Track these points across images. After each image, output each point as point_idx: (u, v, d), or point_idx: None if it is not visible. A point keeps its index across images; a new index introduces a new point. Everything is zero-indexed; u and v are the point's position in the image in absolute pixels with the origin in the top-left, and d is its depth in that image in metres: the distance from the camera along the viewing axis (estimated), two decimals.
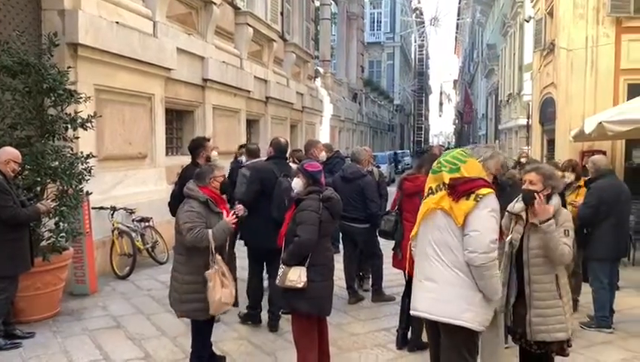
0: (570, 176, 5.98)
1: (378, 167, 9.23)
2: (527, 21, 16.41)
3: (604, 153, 11.11)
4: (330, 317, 4.36)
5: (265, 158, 5.70)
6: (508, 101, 24.15)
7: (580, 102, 11.91)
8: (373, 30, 46.13)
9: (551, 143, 14.39)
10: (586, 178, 5.92)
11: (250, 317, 5.45)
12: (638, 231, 5.15)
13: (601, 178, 5.49)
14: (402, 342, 4.85)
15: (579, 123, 9.88)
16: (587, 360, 4.64)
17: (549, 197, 3.43)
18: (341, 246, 6.95)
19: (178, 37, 9.64)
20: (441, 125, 70.56)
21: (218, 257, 4.10)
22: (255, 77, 13.25)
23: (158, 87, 8.98)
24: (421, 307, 3.07)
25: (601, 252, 5.37)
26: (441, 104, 65.13)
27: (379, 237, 5.79)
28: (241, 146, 8.68)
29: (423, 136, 62.86)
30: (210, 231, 4.01)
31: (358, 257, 6.50)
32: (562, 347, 3.43)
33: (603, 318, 5.34)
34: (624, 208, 5.50)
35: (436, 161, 3.13)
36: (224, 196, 4.56)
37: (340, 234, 6.83)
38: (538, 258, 3.38)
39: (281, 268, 3.91)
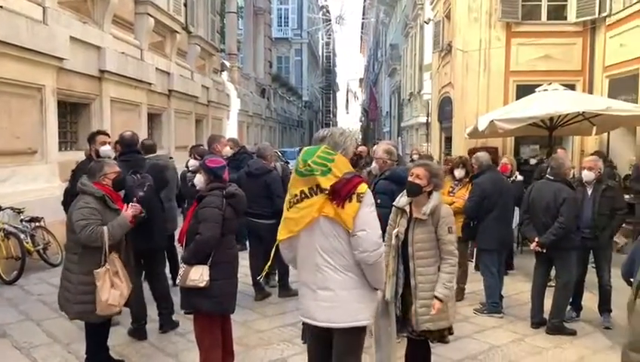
0: (460, 172, 6.34)
1: (287, 162, 9.23)
2: (427, 23, 17.15)
3: (495, 149, 11.94)
4: (235, 314, 4.30)
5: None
6: (409, 100, 25.12)
7: (474, 101, 12.66)
8: (281, 26, 46.11)
9: (449, 140, 15.18)
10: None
11: (135, 333, 4.95)
12: (522, 222, 5.51)
13: (483, 173, 5.86)
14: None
15: (473, 121, 10.48)
16: (479, 344, 4.94)
17: (430, 194, 3.60)
18: (248, 242, 6.89)
19: (72, 25, 9.03)
20: (348, 122, 72.10)
21: (114, 256, 3.91)
22: (157, 69, 12.74)
23: (49, 78, 8.36)
24: (320, 317, 2.96)
25: (488, 243, 5.77)
26: (347, 101, 66.55)
27: None
28: (192, 147, 8.19)
29: None
30: (105, 228, 3.81)
31: (264, 253, 6.45)
32: (443, 334, 3.64)
33: (494, 304, 5.71)
34: (506, 201, 5.90)
35: (301, 163, 2.95)
36: (122, 193, 4.35)
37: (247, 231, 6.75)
38: (422, 251, 3.54)
39: (182, 267, 3.80)
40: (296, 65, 47.28)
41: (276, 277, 6.52)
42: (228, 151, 7.42)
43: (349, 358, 3.01)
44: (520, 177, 7.87)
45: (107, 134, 5.80)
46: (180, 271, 3.80)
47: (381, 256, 2.93)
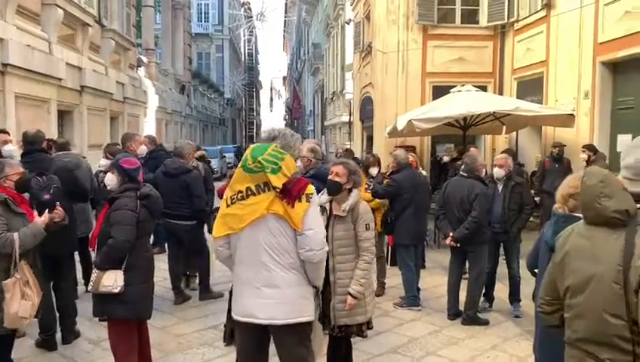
0: (374, 170, 6.51)
1: (209, 161, 9.02)
2: (348, 23, 17.41)
3: (414, 148, 12.33)
4: (153, 319, 4.15)
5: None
6: (332, 99, 25.41)
7: (393, 101, 13.00)
8: (201, 21, 45.11)
9: (370, 139, 15.50)
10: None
11: (44, 344, 4.64)
12: (438, 217, 5.72)
13: (401, 170, 6.04)
14: (230, 338, 4.79)
15: (393, 120, 10.75)
16: (399, 337, 5.07)
17: (350, 191, 3.65)
18: (167, 245, 6.66)
19: None
20: (272, 120, 71.79)
21: (23, 263, 3.63)
22: (67, 63, 12.02)
23: None
24: (263, 314, 2.91)
25: (405, 238, 5.94)
26: (271, 100, 66.23)
27: (206, 234, 5.67)
28: (107, 146, 7.63)
29: (254, 130, 63.28)
30: (16, 235, 3.53)
31: (184, 256, 6.28)
32: (361, 329, 3.70)
33: (412, 297, 5.89)
34: (422, 197, 6.12)
35: (250, 159, 2.91)
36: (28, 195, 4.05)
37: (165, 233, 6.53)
38: (342, 248, 3.59)
39: (95, 273, 3.60)
40: (217, 62, 46.45)
41: (197, 280, 6.36)
42: (143, 150, 7.13)
43: (301, 350, 3.03)
44: (424, 173, 8.14)
45: (7, 132, 5.40)
46: (93, 277, 3.59)
47: (324, 254, 2.99)
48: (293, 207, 2.86)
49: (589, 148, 8.40)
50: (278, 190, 2.85)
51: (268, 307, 2.90)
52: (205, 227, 6.25)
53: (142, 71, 20.29)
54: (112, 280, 3.51)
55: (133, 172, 3.75)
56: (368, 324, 3.76)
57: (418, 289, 6.04)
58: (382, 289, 6.32)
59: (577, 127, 9.64)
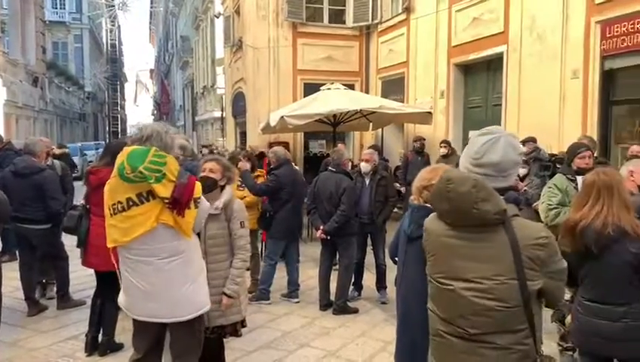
0: (246, 165, 6.49)
1: (72, 160, 8.37)
2: (217, 17, 17.07)
3: (287, 144, 12.47)
4: (2, 334, 3.74)
5: None
6: (203, 93, 24.86)
7: (266, 97, 13.02)
8: (57, 8, 41.52)
9: (244, 135, 15.40)
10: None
11: None
12: (310, 211, 5.85)
13: (280, 166, 6.09)
14: (92, 347, 4.50)
15: (266, 116, 10.77)
16: (273, 332, 5.10)
17: (223, 188, 3.60)
18: (18, 251, 6.05)
19: None
20: (138, 116, 68.23)
21: None
22: None
23: None
24: (162, 314, 2.98)
25: (280, 232, 5.99)
26: (136, 93, 62.89)
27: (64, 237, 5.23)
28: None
29: (119, 126, 59.76)
30: None
31: (38, 263, 5.73)
32: (236, 328, 3.67)
33: (264, 291, 5.94)
34: (300, 193, 6.23)
35: (128, 168, 2.73)
36: None
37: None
38: (215, 247, 3.51)
39: None
40: (76, 53, 43.10)
41: (54, 288, 5.85)
42: None
43: (193, 340, 3.16)
44: (296, 168, 8.28)
45: None
46: None
47: None
48: (183, 216, 2.81)
49: (447, 143, 9.21)
50: (166, 201, 2.76)
51: (166, 306, 2.95)
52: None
53: None
54: None
55: None
56: (242, 322, 3.73)
57: (298, 285, 6.15)
58: (255, 286, 6.31)
59: (435, 124, 10.40)
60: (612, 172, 2.97)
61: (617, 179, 2.87)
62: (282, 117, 9.19)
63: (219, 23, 17.95)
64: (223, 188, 3.59)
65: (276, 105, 12.14)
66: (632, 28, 6.58)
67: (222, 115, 19.49)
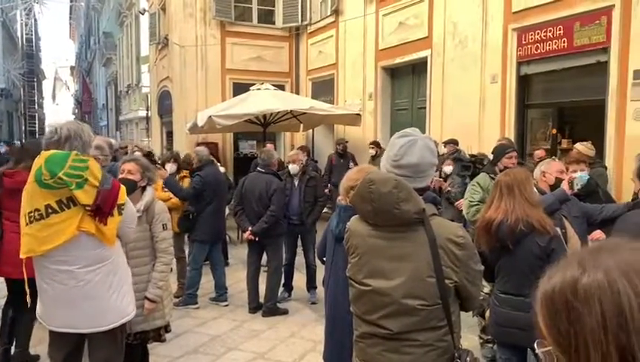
0: (172, 167, 6.33)
1: None
2: (142, 13, 16.52)
3: (215, 145, 12.27)
4: None
5: None
6: (127, 92, 23.97)
7: (193, 97, 12.73)
8: None
9: (170, 135, 14.98)
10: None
11: None
12: (236, 213, 5.76)
13: (204, 167, 5.97)
14: (4, 360, 4.21)
15: (193, 116, 10.54)
16: (201, 336, 5.00)
17: (144, 189, 3.49)
18: None
19: None
20: (58, 114, 64.72)
21: None
22: None
23: None
24: (82, 324, 2.84)
25: (205, 235, 5.87)
26: (55, 91, 59.61)
27: None
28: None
29: (37, 125, 56.52)
30: None
31: None
32: (159, 333, 3.59)
33: (190, 296, 5.80)
34: (223, 194, 6.13)
35: (46, 174, 2.56)
36: None
37: None
38: (137, 250, 3.41)
39: None
40: None
41: None
42: None
43: (117, 346, 3.02)
44: (222, 170, 8.15)
45: None
46: None
47: None
48: (106, 224, 2.68)
49: (376, 144, 9.40)
50: (88, 208, 2.62)
51: (88, 316, 2.83)
52: None
53: None
54: None
55: None
56: (166, 328, 3.64)
57: (226, 288, 6.04)
58: (182, 290, 6.15)
59: (364, 126, 10.59)
60: (516, 172, 3.13)
61: (520, 178, 3.01)
62: (210, 117, 9.03)
63: (144, 20, 17.36)
64: (143, 189, 3.47)
65: (204, 105, 11.91)
66: (544, 36, 6.99)
67: (147, 114, 18.86)
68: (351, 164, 9.40)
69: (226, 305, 5.88)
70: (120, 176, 3.44)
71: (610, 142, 6.24)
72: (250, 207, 5.60)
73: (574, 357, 0.71)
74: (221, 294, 5.99)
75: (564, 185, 3.46)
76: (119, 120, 28.40)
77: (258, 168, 5.78)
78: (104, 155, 4.74)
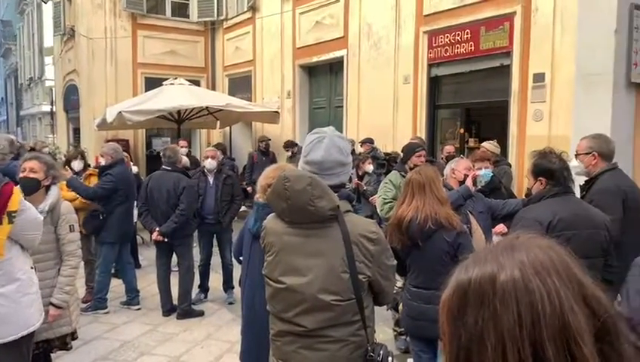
0: (79, 164, 6.00)
1: None
2: (45, 2, 15.50)
3: (127, 142, 11.75)
4: None
5: None
6: (29, 85, 22.45)
7: (102, 91, 12.12)
8: None
9: (77, 131, 14.18)
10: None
11: None
12: (141, 213, 5.48)
13: (115, 165, 5.65)
14: None
15: (102, 112, 10.03)
16: (111, 342, 4.76)
17: (48, 188, 3.27)
18: None
19: None
20: None
21: None
22: None
23: None
24: None
25: (114, 236, 5.56)
26: None
27: None
28: None
29: None
30: None
31: None
32: (65, 341, 3.40)
33: (100, 300, 5.53)
34: (134, 193, 5.84)
35: None
36: None
37: None
38: (40, 253, 3.17)
39: None
40: None
41: None
42: None
43: (20, 359, 2.81)
44: (135, 169, 7.86)
45: None
46: None
47: None
48: None
49: (291, 144, 9.38)
50: None
51: None
52: None
53: None
54: None
55: None
56: (73, 335, 3.44)
57: (137, 291, 5.80)
58: (91, 295, 5.83)
59: (282, 124, 10.56)
60: (426, 170, 3.25)
61: (430, 176, 3.13)
62: (120, 112, 8.63)
63: (47, 9, 16.30)
64: (47, 188, 3.25)
65: (114, 100, 11.38)
66: (453, 39, 7.31)
67: (52, 109, 17.75)
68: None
69: (139, 309, 5.65)
70: (21, 175, 3.20)
71: (513, 142, 6.64)
72: (157, 206, 5.37)
73: (480, 349, 0.73)
74: (132, 297, 5.73)
75: (468, 182, 3.66)
76: (20, 115, 26.53)
77: (163, 166, 5.54)
78: (2, 153, 4.38)
